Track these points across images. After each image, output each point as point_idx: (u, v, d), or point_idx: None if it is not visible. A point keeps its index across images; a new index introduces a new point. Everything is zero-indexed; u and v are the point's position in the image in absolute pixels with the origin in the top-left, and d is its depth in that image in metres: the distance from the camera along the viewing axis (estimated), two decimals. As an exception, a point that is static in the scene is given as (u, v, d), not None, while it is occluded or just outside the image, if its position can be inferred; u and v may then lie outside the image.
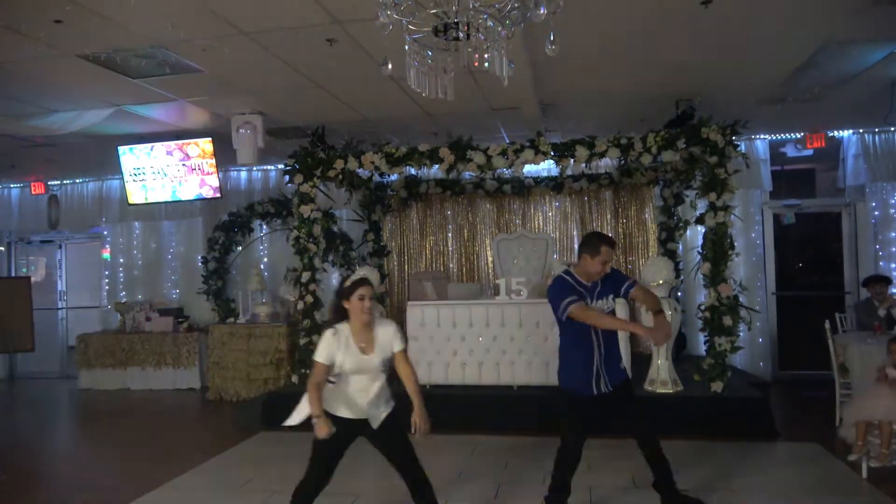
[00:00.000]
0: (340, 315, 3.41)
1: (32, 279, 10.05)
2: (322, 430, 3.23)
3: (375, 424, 3.41)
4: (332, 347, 3.32)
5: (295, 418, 3.48)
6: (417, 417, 3.38)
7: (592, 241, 3.81)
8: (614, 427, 4.19)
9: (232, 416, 6.91)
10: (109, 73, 5.45)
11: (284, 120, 7.23)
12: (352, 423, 3.39)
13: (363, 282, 3.40)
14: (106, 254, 10.33)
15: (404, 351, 3.50)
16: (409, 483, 3.46)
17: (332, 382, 3.38)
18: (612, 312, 3.94)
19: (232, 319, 8.77)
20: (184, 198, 8.14)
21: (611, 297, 3.89)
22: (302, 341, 6.86)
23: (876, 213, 8.15)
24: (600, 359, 3.83)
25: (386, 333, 3.43)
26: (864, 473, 4.55)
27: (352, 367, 3.34)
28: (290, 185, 7.10)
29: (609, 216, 8.83)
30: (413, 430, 3.39)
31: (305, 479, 3.44)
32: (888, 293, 6.58)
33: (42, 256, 11.17)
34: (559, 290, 3.84)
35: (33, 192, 10.26)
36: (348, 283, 3.41)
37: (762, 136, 8.36)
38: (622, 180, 8.63)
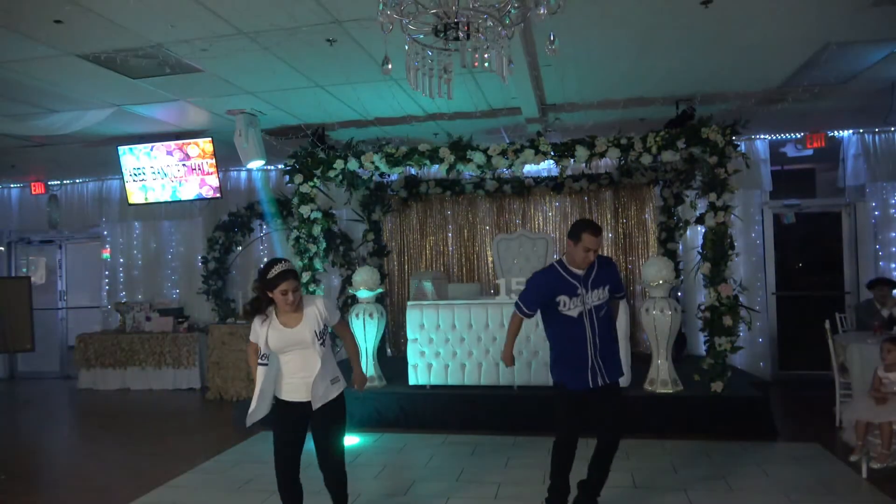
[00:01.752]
0: (266, 301, 3.38)
1: (32, 279, 10.05)
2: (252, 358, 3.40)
3: (315, 405, 3.39)
4: (257, 328, 3.39)
5: (249, 418, 3.47)
6: (355, 377, 3.73)
7: (575, 228, 3.77)
8: (594, 423, 4.01)
9: (232, 417, 6.90)
10: (109, 73, 5.45)
11: (284, 120, 7.23)
12: (298, 406, 3.41)
13: (286, 275, 3.29)
14: (106, 254, 10.33)
15: (342, 322, 3.60)
16: (325, 474, 3.54)
17: (265, 364, 3.37)
18: (606, 304, 3.84)
19: (232, 319, 8.78)
20: (184, 198, 8.14)
21: (606, 287, 3.80)
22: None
23: (876, 213, 8.15)
24: (595, 351, 3.74)
25: (312, 308, 3.40)
26: (864, 473, 4.55)
27: (277, 343, 3.35)
28: (290, 185, 7.10)
29: (609, 216, 8.83)
30: (355, 387, 3.70)
31: (276, 474, 3.49)
32: (892, 295, 6.58)
33: (42, 256, 11.16)
34: (534, 287, 3.86)
35: (33, 192, 10.26)
36: (272, 273, 3.29)
37: (762, 136, 8.36)
38: (622, 180, 8.63)
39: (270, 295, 3.33)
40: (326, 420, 3.45)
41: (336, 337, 3.73)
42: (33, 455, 6.11)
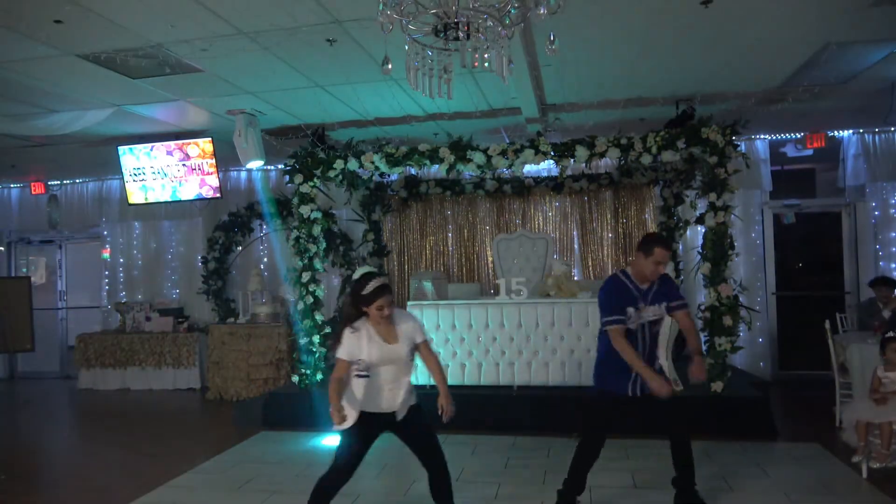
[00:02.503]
0: (356, 313, 3.37)
1: (32, 279, 10.05)
2: (336, 418, 3.25)
3: (400, 417, 3.43)
4: (352, 344, 3.33)
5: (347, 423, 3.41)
6: (443, 401, 3.43)
7: (647, 241, 3.78)
8: (652, 427, 4.14)
9: (232, 416, 6.90)
10: (109, 73, 5.45)
11: (284, 120, 7.23)
12: (380, 417, 3.41)
13: (383, 291, 3.28)
14: (106, 254, 10.33)
15: (427, 342, 3.54)
16: (430, 472, 3.49)
17: (366, 376, 3.35)
18: (660, 321, 3.86)
19: (232, 319, 8.78)
20: (184, 198, 8.14)
21: (664, 304, 3.82)
22: (302, 341, 6.86)
23: (876, 213, 8.15)
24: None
25: (408, 325, 3.42)
26: (865, 473, 4.55)
27: (378, 357, 3.34)
28: (290, 185, 7.10)
29: (609, 216, 8.83)
30: (440, 412, 3.43)
31: (328, 474, 3.44)
32: (893, 295, 6.57)
33: (42, 256, 11.17)
34: (609, 296, 3.80)
35: (33, 192, 10.25)
36: (368, 290, 3.26)
37: (762, 136, 8.36)
38: (622, 180, 8.63)
39: (366, 310, 3.32)
40: (415, 422, 3.48)
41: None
42: (33, 455, 6.11)
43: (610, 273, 8.59)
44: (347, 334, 3.35)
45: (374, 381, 3.38)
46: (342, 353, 3.35)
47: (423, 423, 3.50)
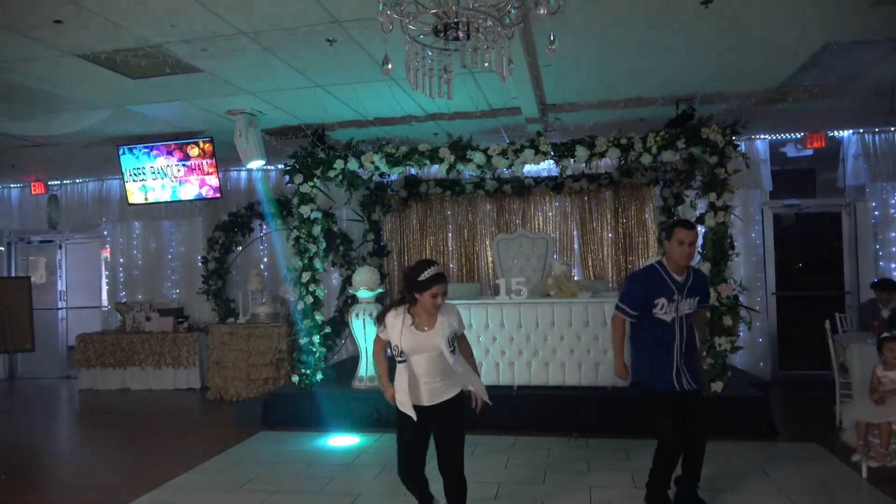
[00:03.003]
0: (409, 297, 3.39)
1: (32, 279, 10.04)
2: (389, 396, 3.36)
3: (438, 400, 3.40)
4: (391, 325, 3.37)
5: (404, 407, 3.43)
6: (475, 390, 3.51)
7: (668, 228, 3.87)
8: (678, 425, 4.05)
9: (232, 416, 6.90)
10: (109, 73, 5.45)
11: (284, 120, 7.23)
12: (427, 409, 3.39)
13: (439, 279, 3.31)
14: (106, 254, 10.34)
15: (464, 335, 3.59)
16: (444, 474, 3.46)
17: (402, 361, 3.36)
18: (691, 315, 3.86)
19: (232, 319, 8.78)
20: (184, 198, 8.14)
21: (697, 298, 3.83)
22: (302, 341, 6.86)
23: (876, 213, 8.15)
24: (680, 356, 3.76)
25: (449, 315, 3.42)
26: (864, 473, 4.55)
27: (409, 345, 3.33)
28: (290, 185, 7.10)
29: (609, 216, 8.83)
30: (473, 404, 3.48)
31: (398, 471, 3.50)
32: (894, 297, 6.57)
33: (42, 256, 11.17)
34: (636, 284, 3.84)
35: (33, 192, 10.25)
36: (425, 276, 3.28)
37: (762, 136, 8.36)
38: (622, 180, 8.63)
39: (417, 296, 3.33)
40: (449, 416, 3.44)
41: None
42: (33, 455, 6.11)
43: (610, 273, 8.68)
44: (390, 315, 3.41)
45: (412, 372, 3.38)
46: (380, 330, 3.45)
47: (456, 422, 3.45)
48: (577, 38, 4.96)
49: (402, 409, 3.36)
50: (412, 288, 3.33)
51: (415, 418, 3.31)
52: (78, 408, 8.41)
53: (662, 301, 3.74)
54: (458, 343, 3.51)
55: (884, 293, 6.53)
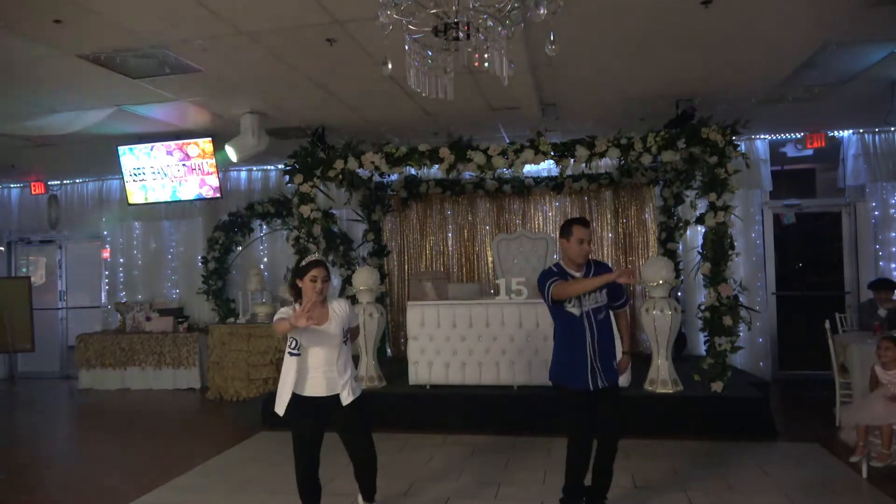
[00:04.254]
0: (295, 292, 3.55)
1: (32, 279, 10.05)
2: (298, 316, 3.23)
3: (346, 401, 3.51)
4: (286, 317, 3.41)
5: (279, 406, 3.53)
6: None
7: (564, 226, 3.89)
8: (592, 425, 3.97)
9: (232, 416, 6.91)
10: (109, 73, 5.45)
11: (284, 120, 7.23)
12: (321, 400, 3.48)
13: (317, 263, 3.49)
14: (106, 254, 10.34)
15: (358, 327, 3.82)
16: (356, 461, 3.64)
17: (297, 354, 3.44)
18: (605, 307, 3.84)
19: (232, 319, 8.78)
20: (184, 198, 8.14)
21: (603, 291, 3.82)
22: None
23: (876, 212, 8.15)
24: (594, 353, 3.75)
25: (341, 307, 3.58)
26: (865, 473, 4.55)
27: (308, 339, 3.45)
28: (290, 185, 7.10)
29: (609, 216, 8.83)
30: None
31: (296, 472, 3.57)
32: (892, 297, 6.58)
33: (42, 256, 11.17)
34: (545, 278, 3.85)
35: (33, 192, 10.26)
36: (304, 262, 3.51)
37: (762, 136, 8.37)
38: (622, 180, 8.63)
39: (300, 284, 3.48)
40: (358, 412, 3.57)
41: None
42: (33, 455, 6.11)
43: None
44: (283, 311, 3.48)
45: (304, 364, 3.48)
46: (277, 321, 3.42)
47: (361, 412, 3.59)
48: (577, 37, 4.96)
49: (278, 407, 3.47)
50: (295, 275, 3.52)
51: (281, 414, 3.45)
52: (78, 408, 8.41)
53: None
54: (353, 334, 3.73)
55: (881, 292, 6.54)
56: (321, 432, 3.55)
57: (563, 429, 3.89)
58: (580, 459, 3.80)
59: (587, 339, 3.76)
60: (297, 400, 3.48)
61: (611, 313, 3.94)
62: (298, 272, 3.50)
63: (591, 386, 3.75)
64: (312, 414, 3.47)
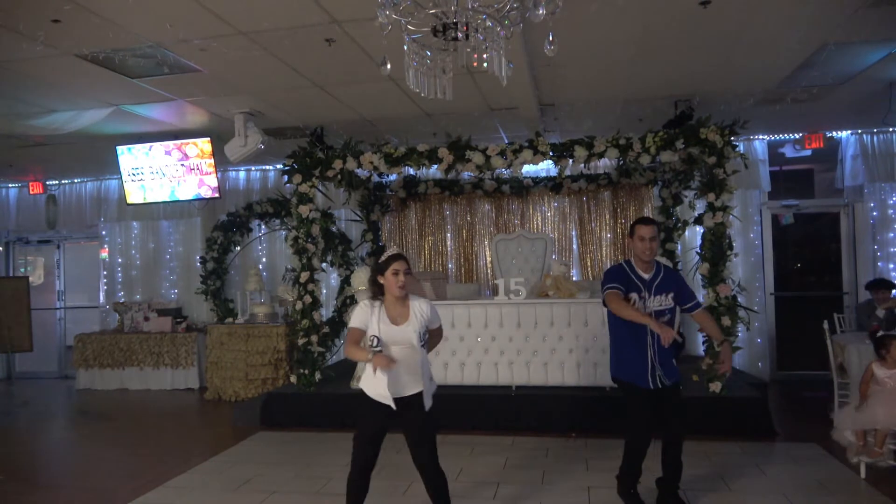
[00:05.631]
0: (376, 289, 3.46)
1: (30, 279, 10.02)
2: (380, 360, 3.21)
3: (428, 404, 3.41)
4: (364, 315, 3.39)
5: (366, 385, 3.44)
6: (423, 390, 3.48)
7: (631, 227, 4.03)
8: (655, 423, 4.03)
9: (230, 417, 6.90)
10: (108, 72, 5.44)
11: (283, 120, 7.23)
12: (395, 401, 3.37)
13: (398, 257, 3.42)
14: (104, 254, 10.32)
15: (440, 328, 3.64)
16: (418, 468, 3.47)
17: (379, 351, 3.33)
18: (671, 311, 3.91)
19: (230, 319, 8.76)
20: (182, 198, 8.14)
21: (670, 294, 3.90)
22: (300, 342, 6.85)
23: (874, 213, 8.16)
24: (654, 354, 3.83)
25: (422, 307, 3.46)
26: (863, 474, 4.55)
27: (386, 337, 3.37)
28: (288, 185, 7.09)
29: (608, 216, 8.83)
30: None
31: (352, 466, 3.46)
32: (891, 296, 6.59)
33: (40, 256, 11.16)
34: (609, 277, 3.93)
35: (31, 192, 10.26)
36: (385, 256, 3.44)
37: (761, 137, 8.37)
38: (621, 181, 8.63)
39: (381, 280, 3.41)
40: (418, 409, 3.43)
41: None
42: (32, 455, 6.10)
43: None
44: (361, 305, 3.44)
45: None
46: (353, 321, 3.41)
47: (425, 415, 3.43)
48: (575, 38, 4.97)
49: (380, 400, 3.34)
50: (377, 272, 3.44)
51: (393, 407, 3.31)
52: (76, 408, 8.39)
53: (633, 297, 3.86)
54: (431, 335, 3.59)
55: (879, 292, 6.56)
56: (385, 430, 3.46)
57: (624, 425, 3.98)
58: (640, 457, 3.89)
59: (648, 340, 3.83)
60: (368, 400, 3.40)
61: (677, 314, 3.97)
62: (379, 268, 3.43)
63: (651, 385, 3.83)
64: (383, 414, 3.36)
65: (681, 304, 3.98)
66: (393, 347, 3.38)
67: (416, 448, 3.44)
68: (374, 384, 3.36)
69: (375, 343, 3.34)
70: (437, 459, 3.48)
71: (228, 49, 5.00)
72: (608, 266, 8.70)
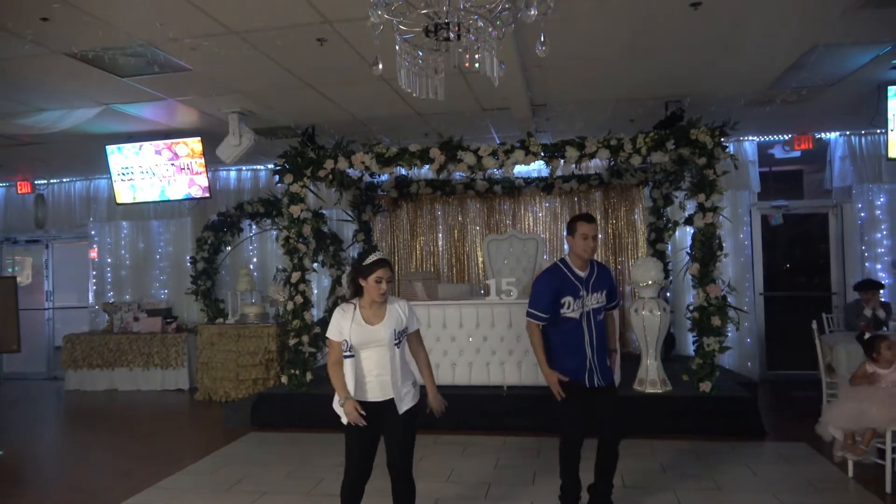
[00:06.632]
0: (355, 289, 3.38)
1: (18, 279, 9.93)
2: (350, 410, 3.15)
3: (401, 409, 3.30)
4: (339, 322, 3.31)
5: (341, 413, 3.34)
6: (431, 399, 3.45)
7: (570, 223, 3.94)
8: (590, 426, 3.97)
9: (221, 417, 6.87)
10: (97, 71, 5.41)
11: (274, 119, 7.20)
12: (377, 405, 3.29)
13: (382, 263, 3.31)
14: (93, 254, 10.25)
15: (418, 332, 3.51)
16: (393, 475, 3.38)
17: (351, 356, 3.27)
18: (603, 310, 3.87)
19: (221, 320, 8.73)
20: (172, 197, 8.09)
21: (604, 292, 3.86)
22: (291, 342, 6.83)
23: (862, 214, 8.22)
24: (592, 352, 3.78)
25: (399, 309, 3.38)
26: (851, 472, 4.59)
27: (358, 339, 3.28)
28: (279, 185, 7.07)
29: (599, 217, 8.85)
30: (428, 411, 3.42)
31: (345, 477, 3.38)
32: (879, 297, 6.65)
33: (28, 256, 11.07)
34: (537, 292, 3.84)
35: (20, 192, 10.17)
36: (368, 261, 3.32)
37: (750, 138, 8.43)
38: (612, 181, 8.66)
39: (362, 283, 3.31)
40: (406, 423, 3.35)
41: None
42: (21, 457, 6.05)
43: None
44: (336, 312, 3.36)
45: (359, 366, 3.31)
46: (330, 332, 3.33)
47: (409, 422, 3.34)
48: (567, 39, 4.98)
49: (349, 419, 3.23)
50: (358, 274, 3.34)
51: (364, 423, 3.20)
52: (65, 409, 8.33)
53: (568, 300, 3.76)
54: (409, 340, 3.47)
55: (866, 293, 6.62)
56: (376, 440, 3.36)
57: (556, 427, 3.86)
58: (575, 455, 3.76)
59: (585, 339, 3.78)
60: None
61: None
62: (361, 271, 3.31)
63: (587, 383, 3.75)
64: (367, 420, 3.23)
65: (607, 302, 3.91)
66: (363, 351, 3.31)
67: (389, 450, 3.36)
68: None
69: (346, 347, 3.28)
70: (411, 468, 3.39)
71: (219, 48, 4.98)
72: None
